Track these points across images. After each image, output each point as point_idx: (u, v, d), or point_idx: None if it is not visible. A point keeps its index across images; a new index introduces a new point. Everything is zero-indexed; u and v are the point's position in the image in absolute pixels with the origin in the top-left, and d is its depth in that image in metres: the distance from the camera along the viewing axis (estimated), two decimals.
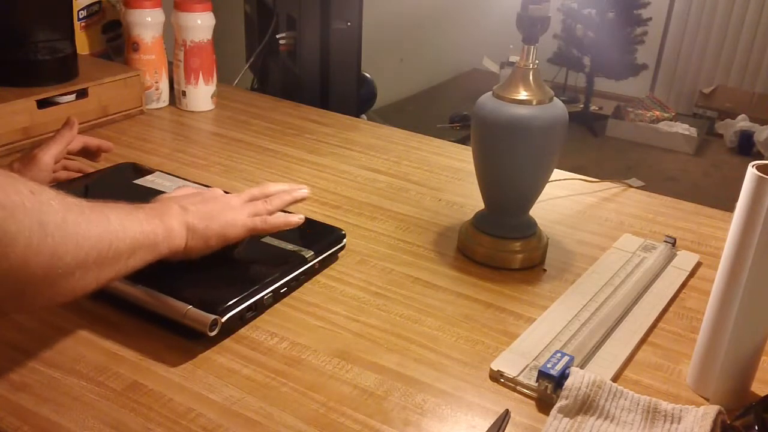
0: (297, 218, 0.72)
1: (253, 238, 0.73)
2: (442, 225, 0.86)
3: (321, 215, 0.86)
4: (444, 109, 3.53)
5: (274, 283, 0.67)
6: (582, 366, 0.61)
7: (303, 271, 0.71)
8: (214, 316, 0.60)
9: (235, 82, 1.45)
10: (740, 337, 0.56)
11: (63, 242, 0.49)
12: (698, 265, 0.81)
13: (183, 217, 0.63)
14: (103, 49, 1.28)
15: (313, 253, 0.72)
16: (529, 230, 0.78)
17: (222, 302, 0.62)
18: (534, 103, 0.71)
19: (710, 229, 0.90)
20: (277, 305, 0.68)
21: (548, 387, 0.56)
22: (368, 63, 1.41)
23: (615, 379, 0.61)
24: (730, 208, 0.66)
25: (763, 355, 0.58)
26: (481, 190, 0.79)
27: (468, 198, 0.94)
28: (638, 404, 0.55)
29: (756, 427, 0.51)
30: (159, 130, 1.11)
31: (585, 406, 0.55)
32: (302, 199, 0.75)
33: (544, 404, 0.57)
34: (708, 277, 0.78)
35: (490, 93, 0.74)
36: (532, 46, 0.72)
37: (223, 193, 0.71)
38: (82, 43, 1.23)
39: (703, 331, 0.59)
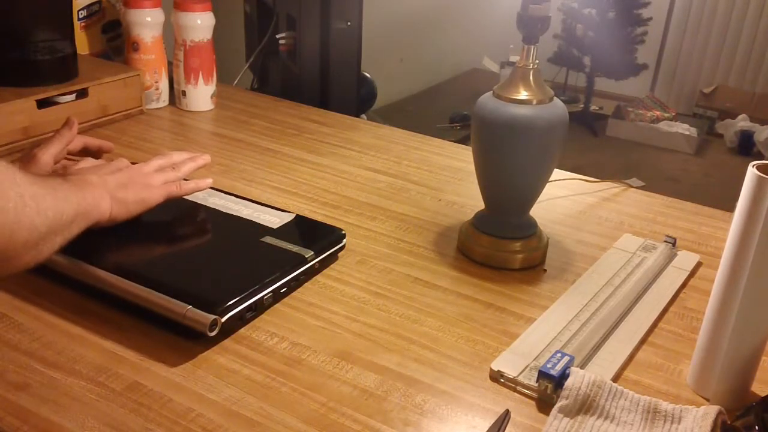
0: (206, 182, 0.79)
1: (254, 238, 0.73)
2: (442, 225, 0.86)
3: (321, 215, 0.86)
4: (444, 109, 3.53)
5: (274, 283, 0.67)
6: (582, 366, 0.61)
7: (303, 271, 0.71)
8: (213, 317, 0.60)
9: (235, 82, 1.45)
10: (740, 337, 0.56)
11: (36, 212, 0.55)
12: (698, 265, 0.80)
13: (104, 187, 0.68)
14: (103, 49, 1.28)
15: (313, 253, 0.72)
16: (529, 230, 0.78)
17: (222, 302, 0.62)
18: (534, 103, 0.71)
19: (710, 229, 0.90)
20: (277, 305, 0.68)
21: (548, 387, 0.56)
22: (368, 63, 1.41)
23: (615, 379, 0.61)
24: (730, 208, 0.66)
25: (764, 355, 0.58)
26: (481, 190, 0.79)
27: (468, 198, 0.94)
28: (638, 404, 0.55)
29: (756, 428, 0.51)
30: (159, 130, 1.11)
31: (585, 406, 0.55)
32: (204, 165, 0.82)
33: (544, 404, 0.57)
34: (708, 277, 0.78)
35: (490, 93, 0.74)
36: (533, 46, 0.72)
37: (129, 163, 0.76)
38: (82, 43, 1.23)
39: (704, 331, 0.59)
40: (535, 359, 0.61)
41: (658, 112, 3.76)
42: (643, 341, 0.66)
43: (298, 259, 0.71)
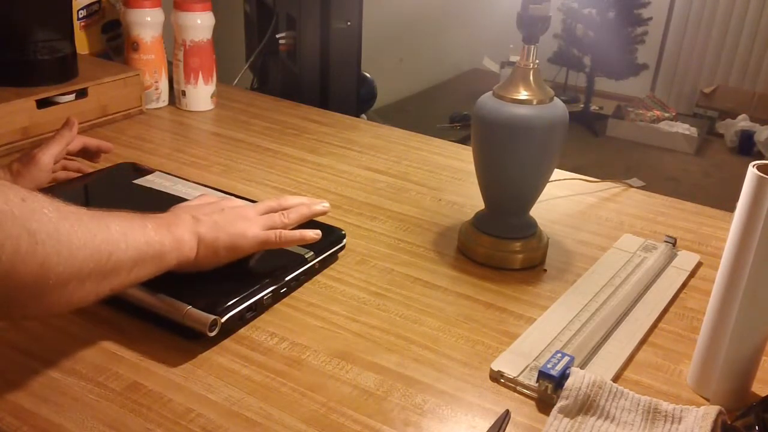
0: (313, 233, 0.69)
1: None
2: (442, 225, 0.86)
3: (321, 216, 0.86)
4: (444, 109, 3.53)
5: (274, 283, 0.67)
6: (582, 366, 0.61)
7: (303, 271, 0.71)
8: (213, 317, 0.60)
9: (235, 82, 1.45)
10: (741, 337, 0.56)
11: (55, 251, 0.48)
12: (698, 265, 0.80)
13: (194, 228, 0.62)
14: (103, 49, 1.28)
15: (313, 253, 0.72)
16: (529, 230, 0.78)
17: (222, 302, 0.62)
18: (534, 102, 0.71)
19: (711, 229, 0.90)
20: (277, 305, 0.68)
21: (548, 387, 0.56)
22: (368, 63, 1.41)
23: (615, 379, 0.61)
24: (730, 208, 0.66)
25: (764, 355, 0.58)
26: (481, 190, 0.79)
27: (468, 198, 0.94)
28: (638, 404, 0.55)
29: (756, 428, 0.51)
30: (159, 130, 1.11)
31: (585, 407, 0.55)
32: (323, 214, 0.73)
33: (545, 404, 0.57)
34: (708, 277, 0.78)
35: (490, 93, 0.74)
36: (533, 46, 0.72)
37: (240, 202, 0.70)
38: (82, 43, 1.23)
39: (704, 331, 0.59)
40: (535, 359, 0.61)
41: (658, 112, 3.76)
42: (643, 341, 0.66)
43: (298, 259, 0.71)
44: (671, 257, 0.80)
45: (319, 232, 0.70)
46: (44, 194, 0.50)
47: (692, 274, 0.78)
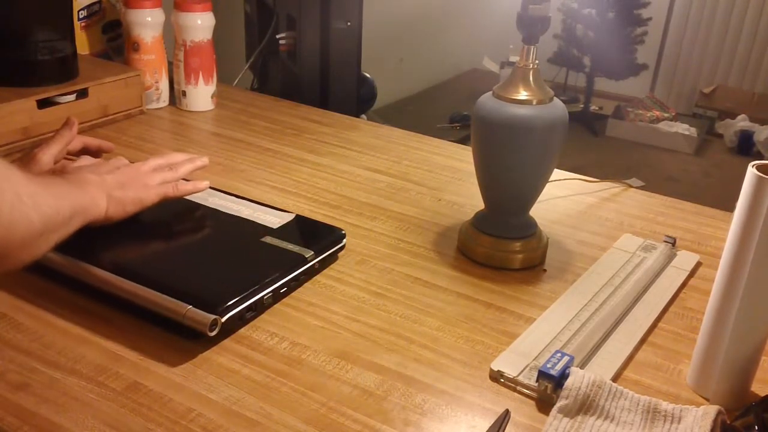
0: (203, 184, 0.78)
1: (254, 238, 0.73)
2: (442, 225, 0.86)
3: (321, 215, 0.86)
4: (444, 109, 3.53)
5: (274, 283, 0.67)
6: (582, 366, 0.61)
7: (303, 271, 0.71)
8: (213, 316, 0.60)
9: (235, 82, 1.45)
10: (740, 337, 0.56)
11: (32, 208, 0.55)
12: (698, 265, 0.81)
13: (101, 186, 0.69)
14: (103, 49, 1.28)
15: (313, 253, 0.72)
16: (529, 230, 0.78)
17: (222, 302, 0.62)
18: (534, 103, 0.71)
19: (710, 229, 0.90)
20: (277, 305, 0.68)
21: (548, 387, 0.56)
22: (368, 63, 1.41)
23: (615, 379, 0.61)
24: (730, 208, 0.66)
25: (763, 355, 0.58)
26: (481, 190, 0.79)
27: (468, 198, 0.94)
28: (638, 404, 0.55)
29: (756, 427, 0.51)
30: (159, 130, 1.11)
31: (585, 406, 0.55)
32: (202, 167, 0.81)
33: (544, 404, 0.57)
34: (708, 277, 0.78)
35: (490, 93, 0.74)
36: (532, 46, 0.72)
37: (127, 161, 0.76)
38: (82, 43, 1.23)
39: (703, 331, 0.59)
40: (534, 359, 0.61)
41: (657, 112, 3.76)
42: (643, 341, 0.66)
43: (298, 259, 0.71)
44: (671, 257, 0.80)
45: (208, 182, 0.79)
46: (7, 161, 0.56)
47: (692, 274, 0.78)
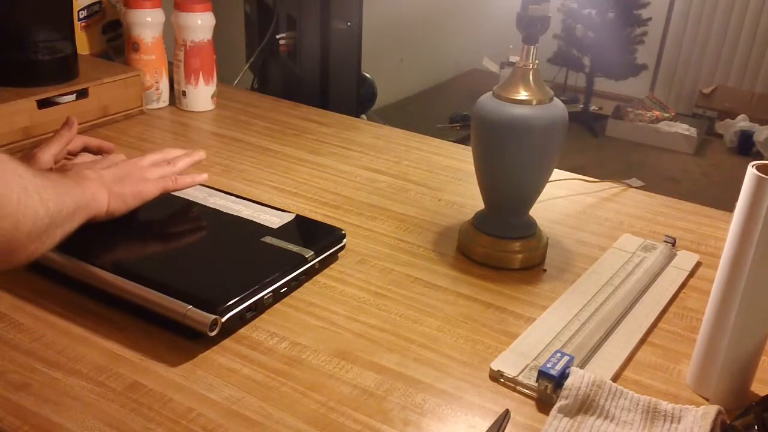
0: (201, 177, 0.79)
1: (254, 238, 0.73)
2: (442, 225, 0.86)
3: (321, 215, 0.86)
4: (444, 109, 3.53)
5: (274, 283, 0.67)
6: (582, 366, 0.61)
7: (303, 271, 0.71)
8: (214, 316, 0.60)
9: (235, 82, 1.45)
10: (740, 336, 0.56)
11: (39, 202, 0.55)
12: (698, 265, 0.81)
13: (100, 181, 0.69)
14: (104, 49, 1.28)
15: (313, 253, 0.72)
16: (529, 230, 0.78)
17: (222, 302, 0.62)
18: (534, 103, 0.71)
19: (710, 229, 0.90)
20: (277, 305, 0.68)
21: (548, 387, 0.57)
22: (368, 63, 1.41)
23: (615, 378, 0.61)
24: (730, 208, 0.66)
25: (763, 355, 0.58)
26: (481, 190, 0.79)
27: (468, 198, 0.94)
28: (638, 404, 0.55)
29: (756, 427, 0.51)
30: (159, 130, 1.11)
31: (585, 406, 0.55)
32: (200, 161, 0.82)
33: (544, 404, 0.57)
34: (708, 277, 0.78)
35: (490, 93, 0.74)
36: (532, 46, 0.72)
37: (125, 158, 0.76)
38: (83, 43, 1.23)
39: (703, 330, 0.59)
40: (534, 359, 0.61)
41: (657, 112, 3.76)
42: (642, 341, 0.66)
43: (298, 259, 0.71)
44: (671, 257, 0.80)
45: (206, 175, 0.79)
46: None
47: (691, 274, 0.78)
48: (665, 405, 0.55)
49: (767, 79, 3.93)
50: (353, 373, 0.59)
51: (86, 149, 0.87)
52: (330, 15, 1.27)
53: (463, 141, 2.02)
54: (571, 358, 0.58)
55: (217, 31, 1.18)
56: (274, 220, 0.77)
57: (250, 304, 0.64)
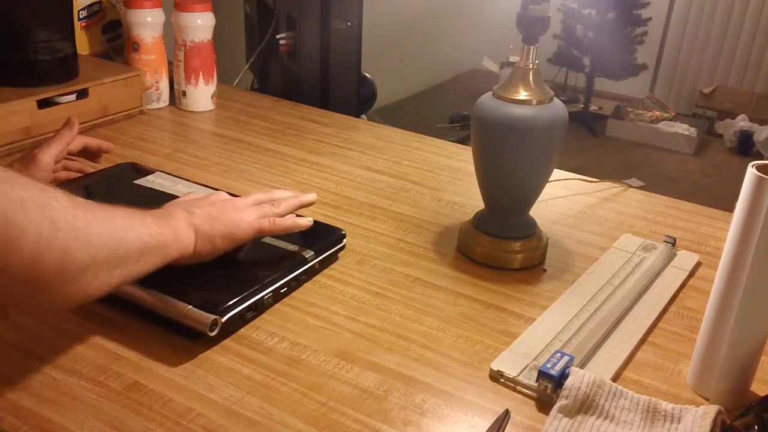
0: (306, 221, 0.72)
1: (255, 239, 0.73)
2: (442, 225, 0.86)
3: (321, 215, 0.86)
4: (444, 109, 3.53)
5: (274, 283, 0.67)
6: (582, 366, 0.61)
7: (303, 271, 0.71)
8: (214, 316, 0.60)
9: (235, 82, 1.45)
10: (740, 336, 0.56)
11: (74, 238, 0.49)
12: (698, 265, 0.81)
13: (188, 220, 0.63)
14: (104, 49, 1.28)
15: (313, 253, 0.72)
16: (529, 230, 0.78)
17: (222, 302, 0.62)
18: (534, 103, 0.71)
19: (710, 229, 0.90)
20: (277, 305, 0.68)
21: (548, 387, 0.57)
22: (368, 63, 1.41)
23: (615, 378, 0.61)
24: (730, 208, 0.66)
25: (763, 355, 0.58)
26: (481, 190, 0.79)
27: (468, 198, 0.94)
28: (638, 404, 0.55)
29: (756, 427, 0.51)
30: (159, 130, 1.12)
31: (585, 406, 0.55)
32: (310, 204, 0.75)
33: (544, 404, 0.57)
34: (708, 277, 0.78)
35: (490, 93, 0.74)
36: (532, 46, 0.72)
37: (228, 195, 0.71)
38: (83, 43, 1.23)
39: (703, 331, 0.59)
40: (534, 359, 0.61)
41: (657, 112, 3.76)
42: (642, 341, 0.66)
43: (298, 259, 0.71)
44: (670, 257, 0.80)
45: (311, 219, 0.73)
46: (53, 186, 0.51)
47: (691, 274, 0.79)
48: (665, 405, 0.55)
49: (767, 79, 3.93)
50: (353, 373, 0.59)
51: (86, 149, 0.87)
52: (330, 15, 1.27)
53: (463, 141, 2.02)
54: (571, 358, 0.58)
55: (217, 31, 1.19)
56: None
57: (250, 304, 0.64)
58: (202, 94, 1.19)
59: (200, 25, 1.15)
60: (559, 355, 0.58)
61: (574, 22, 3.76)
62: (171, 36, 1.18)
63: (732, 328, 0.56)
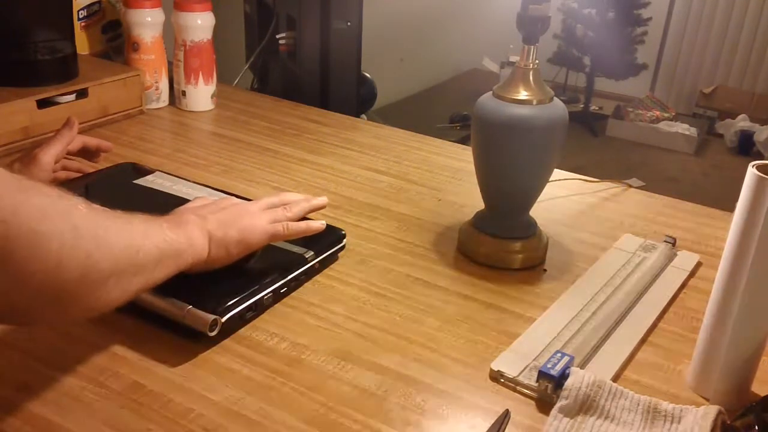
0: (318, 224, 0.72)
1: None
2: (442, 225, 0.86)
3: (321, 215, 0.86)
4: (444, 109, 3.53)
5: (274, 283, 0.67)
6: (582, 366, 0.61)
7: (303, 271, 0.71)
8: (214, 316, 0.60)
9: (235, 82, 1.45)
10: (740, 336, 0.56)
11: (96, 245, 0.48)
12: (698, 265, 0.81)
13: (202, 226, 0.62)
14: (103, 49, 1.28)
15: (313, 253, 0.72)
16: (529, 230, 0.78)
17: (222, 302, 0.62)
18: (534, 103, 0.71)
19: (710, 229, 0.90)
20: (277, 305, 0.68)
21: (548, 387, 0.56)
22: (368, 63, 1.41)
23: (615, 379, 0.61)
24: (730, 208, 0.66)
25: (764, 355, 0.58)
26: (481, 190, 0.79)
27: (468, 198, 0.94)
28: (638, 404, 0.55)
29: (756, 427, 0.51)
30: (159, 130, 1.11)
31: (585, 406, 0.55)
32: (321, 207, 0.75)
33: (544, 404, 0.57)
34: (708, 277, 0.78)
35: (490, 93, 0.74)
36: (532, 46, 0.72)
37: (239, 200, 0.71)
38: (82, 43, 1.23)
39: (703, 331, 0.59)
40: (535, 359, 0.61)
41: (657, 112, 3.76)
42: (643, 341, 0.66)
43: (298, 259, 0.71)
44: (671, 257, 0.80)
45: (323, 222, 0.73)
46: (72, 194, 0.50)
47: (692, 274, 0.78)
48: (665, 405, 0.55)
49: (767, 79, 3.93)
50: (353, 373, 0.59)
51: (84, 148, 0.87)
52: (330, 15, 1.27)
53: (463, 141, 2.02)
54: (572, 358, 0.58)
55: (217, 31, 1.18)
56: None
57: (250, 304, 0.64)
58: (201, 94, 1.19)
59: (200, 24, 1.15)
60: (559, 355, 0.58)
61: (574, 21, 3.76)
62: (171, 36, 1.18)
63: (732, 328, 0.56)
